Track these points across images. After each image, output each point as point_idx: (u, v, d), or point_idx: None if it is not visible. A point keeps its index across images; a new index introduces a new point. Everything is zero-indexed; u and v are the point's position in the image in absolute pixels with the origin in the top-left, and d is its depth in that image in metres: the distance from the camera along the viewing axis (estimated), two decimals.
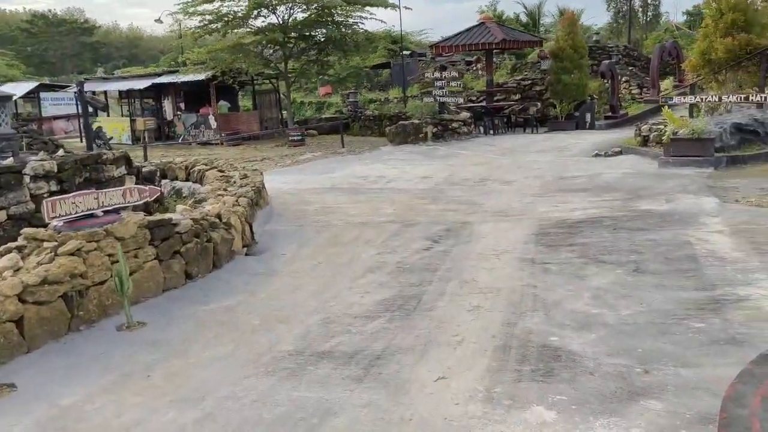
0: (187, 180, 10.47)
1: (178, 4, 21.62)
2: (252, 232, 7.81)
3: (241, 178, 9.26)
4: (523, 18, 47.50)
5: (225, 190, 8.50)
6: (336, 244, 7.72)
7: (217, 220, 7.01)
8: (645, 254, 6.60)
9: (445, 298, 5.68)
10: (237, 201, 7.79)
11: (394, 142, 17.74)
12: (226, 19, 21.12)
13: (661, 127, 13.00)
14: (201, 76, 22.61)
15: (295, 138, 20.43)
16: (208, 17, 21.28)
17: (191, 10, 21.10)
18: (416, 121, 18.07)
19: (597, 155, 13.33)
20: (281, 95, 25.88)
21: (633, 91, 27.16)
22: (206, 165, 10.53)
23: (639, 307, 5.19)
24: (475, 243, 7.46)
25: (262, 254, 7.44)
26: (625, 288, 5.64)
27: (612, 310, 5.14)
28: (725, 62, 12.96)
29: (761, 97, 12.37)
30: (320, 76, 28.57)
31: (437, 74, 19.25)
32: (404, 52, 39.01)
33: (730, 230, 7.28)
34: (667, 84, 26.01)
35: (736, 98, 12.58)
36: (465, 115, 19.15)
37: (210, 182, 9.30)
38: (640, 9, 44.14)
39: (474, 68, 30.18)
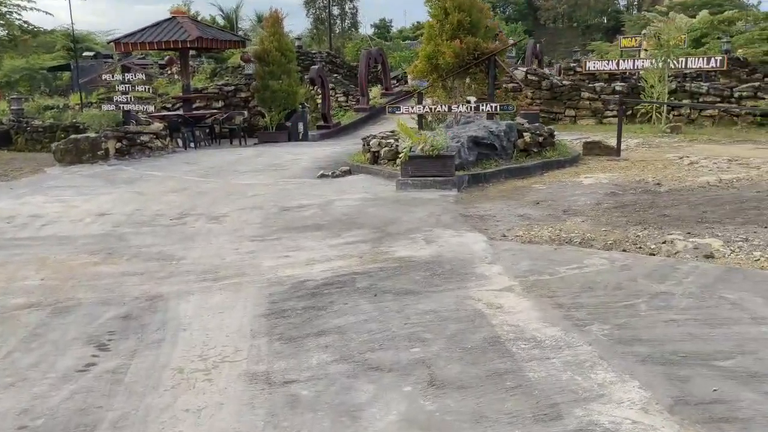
0: None
1: None
2: None
3: None
4: (221, 21, 44.78)
5: None
6: None
7: None
8: (432, 344, 4.37)
9: None
10: None
11: (63, 162, 13.73)
12: None
13: (392, 141, 11.29)
14: None
15: None
16: None
17: None
18: (93, 135, 14.24)
19: (323, 176, 11.15)
20: None
21: (340, 99, 26.16)
22: None
23: None
24: (170, 345, 4.57)
25: None
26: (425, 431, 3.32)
27: None
28: (453, 68, 11.71)
29: (491, 107, 11.30)
30: None
31: (119, 76, 15.58)
32: (87, 53, 33.61)
33: (522, 287, 5.43)
34: (375, 92, 25.33)
35: (466, 108, 11.37)
36: (157, 126, 15.78)
37: None
38: (339, 17, 44.12)
39: (169, 72, 26.62)
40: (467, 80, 11.98)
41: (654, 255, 6.25)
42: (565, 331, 4.49)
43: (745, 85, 17.45)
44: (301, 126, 18.86)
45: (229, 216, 8.73)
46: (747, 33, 36.71)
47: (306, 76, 20.83)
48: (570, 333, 4.46)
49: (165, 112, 19.09)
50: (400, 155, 9.99)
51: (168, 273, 6.24)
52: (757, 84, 17.39)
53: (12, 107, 22.04)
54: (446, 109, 11.62)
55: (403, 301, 5.19)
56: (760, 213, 7.58)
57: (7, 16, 18.42)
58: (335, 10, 43.63)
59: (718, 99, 17.46)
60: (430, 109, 11.74)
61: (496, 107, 11.33)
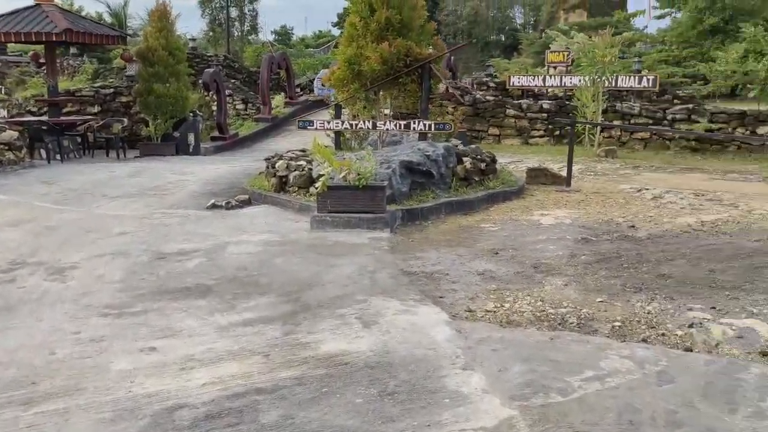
0: None
1: None
2: None
3: None
4: (108, 18, 40.92)
5: None
6: None
7: None
8: None
9: None
10: None
11: None
12: None
13: (304, 164, 9.08)
14: None
15: None
16: None
17: None
18: None
19: (215, 207, 8.77)
20: None
21: (238, 107, 23.70)
22: None
23: None
24: None
25: None
26: None
27: None
28: (381, 76, 9.64)
29: (424, 125, 9.34)
30: None
31: None
32: None
33: (526, 420, 3.42)
34: (278, 101, 23.03)
35: (396, 125, 9.36)
36: (11, 134, 12.80)
37: None
38: (238, 19, 41.25)
39: (37, 71, 23.18)
40: (396, 91, 9.97)
41: (691, 350, 4.40)
42: None
43: (678, 107, 16.42)
44: (191, 137, 16.27)
45: (79, 267, 6.26)
46: (653, 53, 36.93)
47: (199, 80, 18.28)
48: None
49: (26, 119, 15.99)
50: (315, 184, 7.82)
51: None
52: (690, 106, 16.40)
53: None
54: (370, 126, 9.56)
55: None
56: None
57: None
58: (233, 12, 40.71)
59: (650, 121, 16.35)
60: (351, 125, 9.63)
61: (430, 126, 9.38)
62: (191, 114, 16.50)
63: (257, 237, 7.32)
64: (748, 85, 19.58)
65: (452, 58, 26.26)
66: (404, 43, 9.44)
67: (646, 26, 46.90)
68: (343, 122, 9.68)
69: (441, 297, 5.37)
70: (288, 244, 7.03)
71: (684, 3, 41.07)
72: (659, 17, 48.41)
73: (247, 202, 8.92)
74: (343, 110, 10.29)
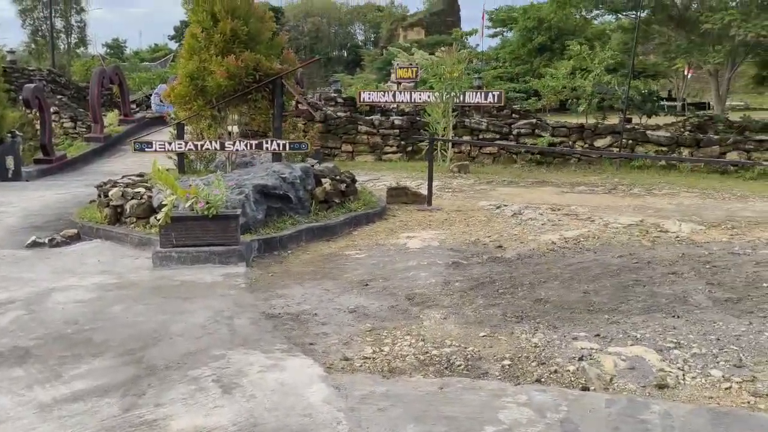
0: None
1: None
2: None
3: None
4: None
5: None
6: None
7: None
8: None
9: None
10: None
11: None
12: None
13: (142, 191, 8.07)
14: None
15: None
16: None
17: None
18: None
19: (37, 244, 7.51)
20: None
21: (66, 125, 21.75)
22: None
23: None
24: None
25: None
26: None
27: None
28: (228, 92, 8.80)
29: (278, 144, 8.64)
30: None
31: None
32: None
33: None
34: (111, 118, 21.30)
35: (247, 145, 8.59)
36: None
37: None
38: (64, 31, 38.09)
39: None
40: (245, 108, 9.17)
41: (587, 388, 4.08)
42: None
43: (523, 122, 16.91)
44: (10, 161, 14.42)
45: None
46: (490, 70, 38.57)
47: (20, 97, 16.37)
48: None
49: None
50: (157, 214, 6.88)
51: None
52: (534, 121, 16.96)
53: None
54: (218, 147, 8.71)
55: None
56: (651, 292, 5.88)
57: None
58: (58, 23, 37.55)
59: (497, 136, 16.70)
60: (196, 145, 8.72)
61: (285, 145, 8.69)
62: (9, 135, 14.64)
63: (89, 280, 6.27)
64: (576, 100, 20.81)
65: (300, 73, 25.71)
66: (253, 56, 8.69)
67: (478, 44, 49.09)
68: (186, 143, 8.74)
69: (311, 344, 4.72)
70: (127, 287, 6.06)
71: (514, 23, 43.51)
72: (492, 36, 50.89)
73: (76, 238, 7.74)
74: (186, 129, 9.34)
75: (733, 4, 21.14)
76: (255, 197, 7.58)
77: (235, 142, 8.62)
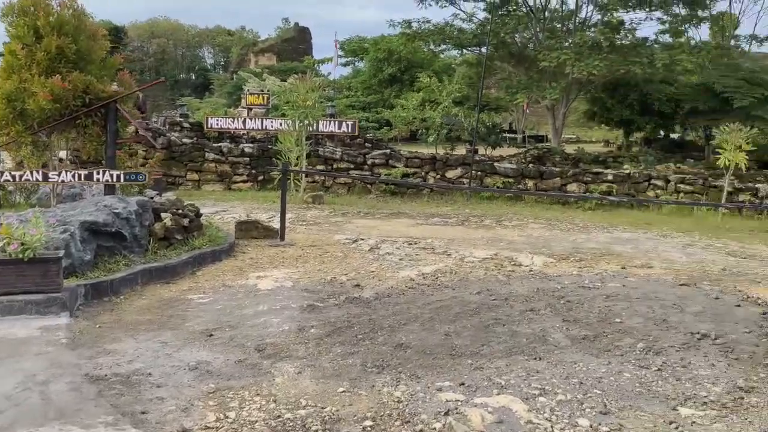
0: None
1: None
2: None
3: None
4: None
5: None
6: None
7: None
8: None
9: None
10: None
11: None
12: None
13: None
14: None
15: None
16: None
17: None
18: None
19: None
20: None
21: None
22: None
23: None
24: None
25: None
26: None
27: None
28: (52, 117, 7.79)
29: (112, 175, 7.76)
30: None
31: None
32: None
33: None
34: None
35: (74, 175, 7.64)
36: None
37: None
38: None
39: None
40: (74, 134, 8.19)
41: None
42: None
43: (377, 152, 16.84)
44: None
45: None
46: (342, 99, 38.77)
47: None
48: None
49: None
50: None
51: None
52: (388, 152, 16.94)
53: None
54: (40, 177, 7.68)
55: None
56: (511, 332, 5.74)
57: None
58: None
59: (352, 165, 16.50)
60: (14, 176, 7.62)
61: (119, 176, 7.83)
62: None
63: None
64: (426, 130, 21.27)
65: (143, 96, 24.22)
66: (82, 77, 7.78)
67: (331, 73, 49.39)
68: (2, 173, 7.63)
69: (143, 413, 4.04)
70: None
71: (365, 53, 44.16)
72: (344, 65, 51.39)
73: None
74: (2, 157, 8.21)
75: (566, 45, 22.61)
76: (82, 236, 6.69)
77: (60, 172, 7.65)
